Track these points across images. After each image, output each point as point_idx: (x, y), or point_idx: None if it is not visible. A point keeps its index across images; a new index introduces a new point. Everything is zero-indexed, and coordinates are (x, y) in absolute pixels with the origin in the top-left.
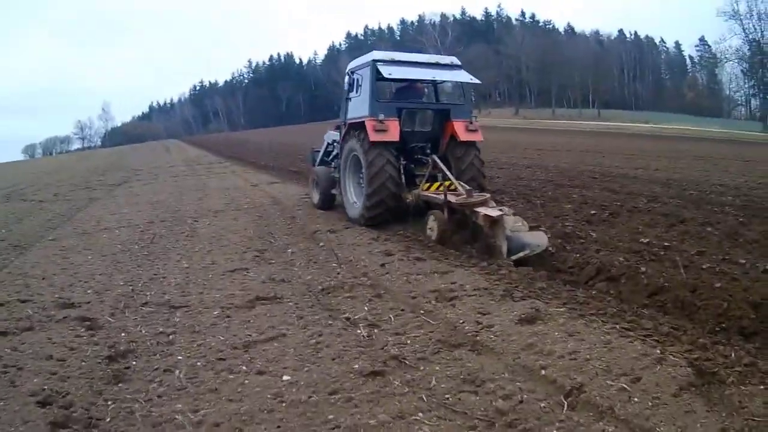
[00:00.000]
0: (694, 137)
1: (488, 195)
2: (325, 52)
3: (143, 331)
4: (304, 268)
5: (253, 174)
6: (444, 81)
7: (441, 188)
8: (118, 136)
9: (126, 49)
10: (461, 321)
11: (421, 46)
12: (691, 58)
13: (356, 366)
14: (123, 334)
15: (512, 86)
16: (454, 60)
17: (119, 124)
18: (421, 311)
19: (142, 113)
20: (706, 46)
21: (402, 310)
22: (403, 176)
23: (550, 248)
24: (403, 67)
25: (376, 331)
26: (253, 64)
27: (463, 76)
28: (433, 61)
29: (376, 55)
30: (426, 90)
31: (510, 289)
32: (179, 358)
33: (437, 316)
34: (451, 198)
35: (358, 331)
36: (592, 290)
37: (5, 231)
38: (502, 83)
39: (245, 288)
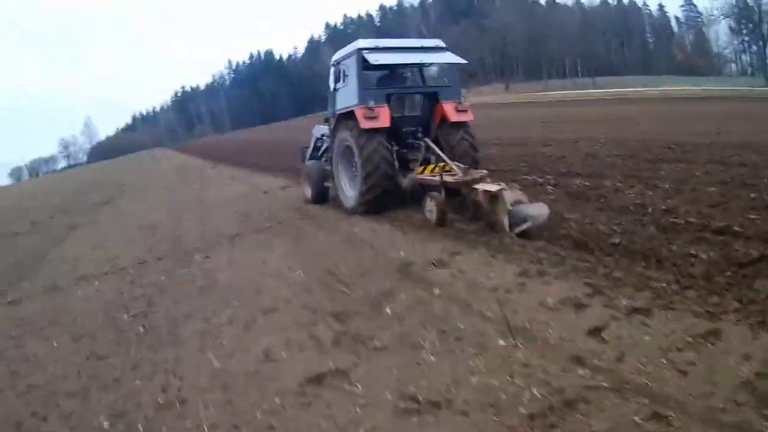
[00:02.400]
0: (702, 97)
1: (485, 171)
2: (306, 45)
3: None
4: (446, 355)
5: (256, 177)
6: (431, 64)
7: (436, 170)
8: (103, 151)
9: (102, 61)
10: None
11: (403, 31)
12: (677, 18)
13: None
14: None
15: (500, 62)
16: (439, 42)
17: (103, 138)
18: None
19: (126, 125)
20: (692, 6)
21: None
22: (396, 162)
23: None
24: (388, 54)
25: None
26: (233, 64)
27: (450, 58)
28: (418, 45)
29: (361, 43)
30: (410, 74)
31: None
32: None
33: None
34: (448, 178)
35: None
36: None
37: None
38: (488, 60)
39: None
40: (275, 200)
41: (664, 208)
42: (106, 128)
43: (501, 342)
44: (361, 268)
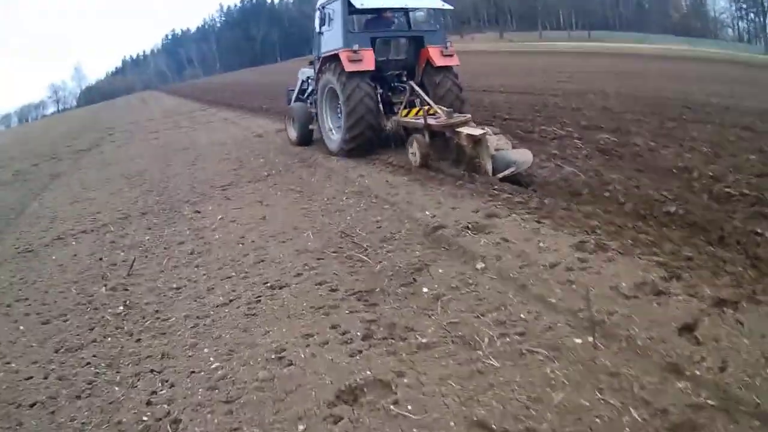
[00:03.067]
0: (703, 58)
1: (469, 115)
2: None
3: None
4: (512, 358)
5: (249, 120)
6: (416, 9)
7: (420, 113)
8: (93, 95)
9: (92, 4)
10: None
11: None
12: None
13: None
14: None
15: (494, 10)
16: None
17: (93, 83)
18: None
19: (116, 69)
20: None
21: None
22: (380, 105)
23: None
24: None
25: None
26: (225, 8)
27: (435, 3)
28: None
29: None
30: (396, 19)
31: None
32: None
33: None
34: (431, 121)
35: None
36: None
37: None
38: (483, 8)
39: None
40: (271, 144)
41: (711, 174)
42: (97, 73)
43: (577, 340)
44: (382, 230)
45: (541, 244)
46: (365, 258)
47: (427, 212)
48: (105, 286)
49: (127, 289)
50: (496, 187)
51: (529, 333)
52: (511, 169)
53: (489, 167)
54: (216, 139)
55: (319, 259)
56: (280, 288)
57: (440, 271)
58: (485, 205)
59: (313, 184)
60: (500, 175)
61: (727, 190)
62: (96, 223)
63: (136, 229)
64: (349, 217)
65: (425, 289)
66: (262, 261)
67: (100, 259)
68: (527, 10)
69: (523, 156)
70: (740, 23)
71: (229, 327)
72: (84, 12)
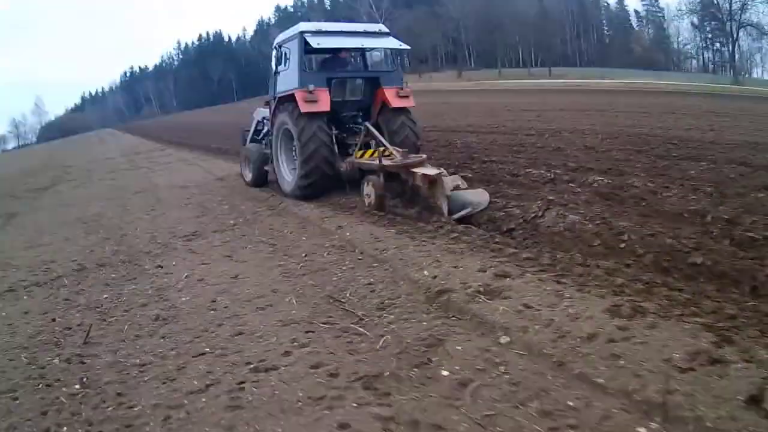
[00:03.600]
0: (670, 91)
1: (425, 156)
2: (255, 27)
3: None
4: None
5: (208, 161)
6: (373, 48)
7: (375, 154)
8: (52, 131)
9: (52, 39)
10: None
11: (354, 15)
12: (636, 12)
13: None
14: None
15: (452, 49)
16: (382, 27)
17: (53, 118)
18: None
19: (75, 105)
20: (654, 0)
21: None
22: (336, 146)
23: None
24: (331, 37)
25: None
26: (182, 45)
27: (392, 43)
28: (360, 30)
29: (303, 26)
30: (352, 59)
31: None
32: None
33: None
34: (386, 162)
35: None
36: None
37: None
38: (441, 47)
39: None
40: (234, 188)
41: (725, 218)
42: (57, 108)
43: (640, 430)
44: (376, 294)
45: (570, 311)
46: (363, 331)
47: (425, 272)
48: (59, 356)
49: (83, 362)
50: (497, 240)
51: (584, 425)
52: (467, 210)
53: (444, 208)
54: (176, 181)
55: (308, 332)
56: (267, 371)
57: (458, 347)
58: (491, 262)
59: (287, 236)
60: (455, 216)
61: (749, 234)
62: (50, 274)
63: (92, 285)
64: (335, 278)
65: (445, 372)
66: (240, 333)
67: (53, 320)
68: (486, 47)
69: (479, 197)
70: (705, 54)
71: (209, 423)
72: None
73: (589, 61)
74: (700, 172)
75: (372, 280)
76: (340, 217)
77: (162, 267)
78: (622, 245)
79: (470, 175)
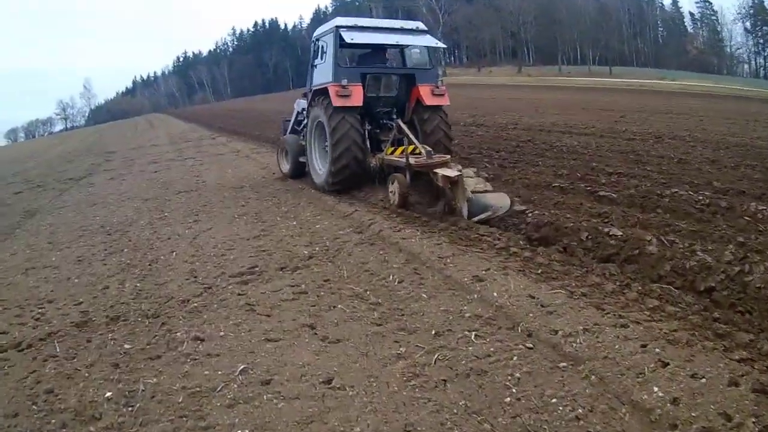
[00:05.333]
0: (736, 95)
1: (449, 156)
2: (311, 15)
3: None
4: None
5: (264, 154)
6: (408, 46)
7: (403, 152)
8: (101, 114)
9: (104, 21)
10: None
11: (413, 7)
12: (691, 14)
13: None
14: None
15: (511, 43)
16: (420, 25)
17: (102, 102)
18: None
19: (126, 89)
20: (707, 3)
21: None
22: (368, 141)
23: None
24: (366, 33)
25: None
26: (237, 32)
27: (428, 41)
28: (397, 26)
29: (339, 21)
30: (390, 56)
31: None
32: None
33: None
34: (412, 160)
35: None
36: None
37: None
38: (500, 41)
39: None
40: (298, 193)
41: None
42: (106, 92)
43: None
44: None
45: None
46: None
47: (654, 388)
48: None
49: None
50: (717, 316)
51: None
52: (487, 213)
53: (465, 210)
54: (227, 179)
55: None
56: None
57: None
58: (741, 368)
59: (396, 289)
60: (475, 219)
61: None
62: (40, 329)
63: (93, 363)
64: (507, 395)
65: None
66: None
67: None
68: (545, 43)
69: (500, 201)
70: (757, 59)
71: None
72: (95, 31)
73: (645, 61)
74: None
75: (571, 404)
76: (469, 256)
77: (202, 340)
78: None
79: (614, 196)
